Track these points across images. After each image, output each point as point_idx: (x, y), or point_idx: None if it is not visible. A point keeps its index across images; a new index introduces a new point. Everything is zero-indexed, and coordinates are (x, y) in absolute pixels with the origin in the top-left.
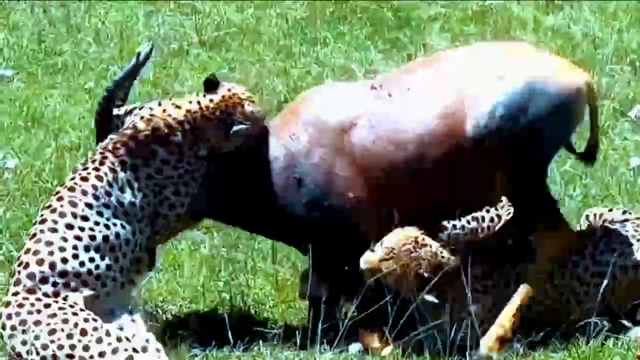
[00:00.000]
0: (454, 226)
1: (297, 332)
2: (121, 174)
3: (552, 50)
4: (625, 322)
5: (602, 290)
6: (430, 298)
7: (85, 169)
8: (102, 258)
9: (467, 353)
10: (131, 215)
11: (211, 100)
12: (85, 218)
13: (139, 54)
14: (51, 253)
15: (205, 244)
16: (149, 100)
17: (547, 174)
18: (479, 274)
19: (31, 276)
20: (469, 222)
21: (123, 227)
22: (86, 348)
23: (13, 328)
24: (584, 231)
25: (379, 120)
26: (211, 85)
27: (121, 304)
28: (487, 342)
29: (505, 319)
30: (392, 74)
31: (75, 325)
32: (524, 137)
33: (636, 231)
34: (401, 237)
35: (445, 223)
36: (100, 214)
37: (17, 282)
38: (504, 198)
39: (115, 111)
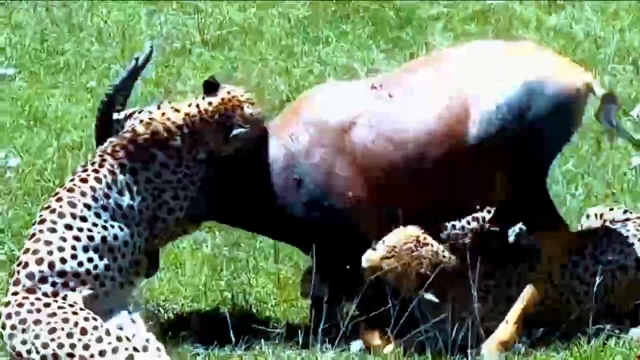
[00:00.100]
0: (454, 226)
1: (299, 331)
2: (120, 177)
3: (554, 50)
4: (626, 322)
5: (600, 289)
6: (429, 296)
7: (85, 170)
8: (101, 258)
9: (468, 352)
10: (129, 218)
11: (210, 104)
12: (83, 219)
13: (137, 58)
14: (50, 253)
15: (207, 243)
16: (151, 100)
17: (548, 175)
18: (480, 273)
19: (30, 276)
20: (469, 223)
21: (121, 229)
22: (86, 347)
23: (13, 327)
24: (585, 231)
25: (379, 119)
26: (211, 87)
27: (120, 304)
28: (491, 345)
29: (509, 323)
30: (393, 73)
31: (76, 324)
32: (524, 138)
33: (637, 230)
34: (403, 235)
35: (445, 223)
36: (98, 215)
37: (17, 282)
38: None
39: (115, 116)
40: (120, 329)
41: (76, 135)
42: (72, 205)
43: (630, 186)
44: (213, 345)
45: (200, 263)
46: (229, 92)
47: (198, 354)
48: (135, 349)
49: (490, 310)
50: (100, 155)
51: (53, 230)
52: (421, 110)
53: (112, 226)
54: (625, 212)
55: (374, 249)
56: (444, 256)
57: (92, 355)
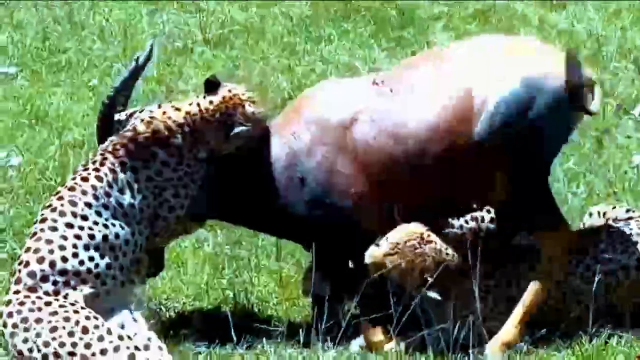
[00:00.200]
0: (452, 225)
1: (300, 329)
2: (121, 175)
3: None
4: (627, 321)
5: (602, 288)
6: (432, 294)
7: (86, 169)
8: (102, 257)
9: (469, 352)
10: (130, 217)
11: (211, 102)
12: (84, 217)
13: (137, 58)
14: (51, 251)
15: (209, 241)
16: (153, 98)
17: (550, 173)
18: (481, 273)
19: (32, 274)
20: (467, 222)
21: (122, 227)
22: (88, 346)
23: (14, 326)
24: (587, 230)
25: (381, 116)
26: (212, 86)
27: (122, 303)
28: (494, 346)
29: (512, 324)
30: (394, 70)
31: (77, 323)
32: (525, 134)
33: None
34: (406, 232)
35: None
36: (99, 213)
37: (18, 281)
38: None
39: (117, 116)
40: (122, 327)
41: (78, 133)
42: (73, 203)
43: (631, 185)
44: (215, 343)
45: (202, 262)
46: (230, 91)
47: (200, 353)
48: (136, 348)
49: (490, 310)
50: (101, 154)
51: (54, 229)
52: (423, 106)
53: (113, 224)
54: (628, 210)
55: (377, 246)
56: (447, 254)
57: (93, 354)
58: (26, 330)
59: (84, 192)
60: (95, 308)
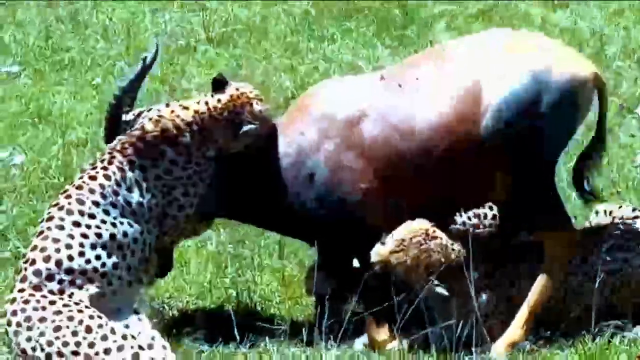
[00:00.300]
0: (455, 221)
1: (303, 328)
2: (129, 174)
3: None
4: (630, 320)
5: (606, 288)
6: (440, 290)
7: (94, 168)
8: (109, 256)
9: (473, 350)
10: (139, 215)
11: (219, 101)
12: (92, 216)
13: (145, 58)
14: (58, 250)
15: (212, 240)
16: (157, 97)
17: (555, 173)
18: (481, 272)
19: (37, 273)
20: (470, 219)
21: (131, 225)
22: (91, 345)
23: (18, 324)
24: (592, 228)
25: (388, 111)
26: (219, 84)
27: (128, 303)
28: (500, 347)
29: (518, 325)
30: (398, 67)
31: (80, 322)
32: (532, 131)
33: None
34: (412, 229)
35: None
36: (107, 212)
37: (23, 279)
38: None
39: (124, 117)
40: (126, 327)
41: (81, 132)
42: (81, 202)
43: (635, 184)
44: (218, 342)
45: (205, 261)
46: (237, 89)
47: (203, 352)
48: (140, 347)
49: (492, 310)
50: (109, 153)
51: (61, 228)
52: (430, 103)
53: (122, 223)
54: (634, 209)
55: (383, 243)
56: (453, 249)
57: (97, 353)
58: (30, 329)
59: (92, 191)
60: (102, 308)
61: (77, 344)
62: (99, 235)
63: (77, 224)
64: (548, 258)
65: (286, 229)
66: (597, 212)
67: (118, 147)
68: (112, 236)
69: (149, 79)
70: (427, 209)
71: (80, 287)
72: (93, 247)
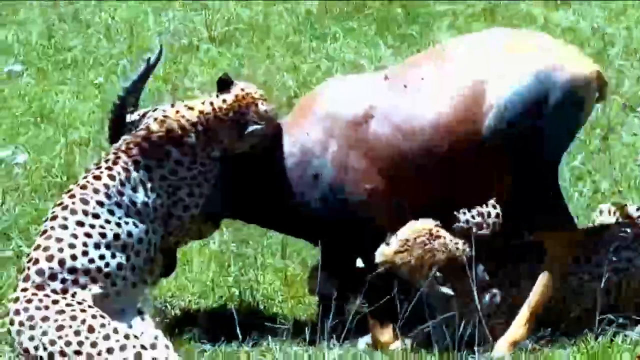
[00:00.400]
0: (458, 220)
1: (306, 327)
2: (134, 174)
3: None
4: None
5: (611, 288)
6: (444, 290)
7: (99, 168)
8: (113, 256)
9: (475, 349)
10: (144, 215)
11: (224, 101)
12: (96, 216)
13: (149, 59)
14: (61, 250)
15: (215, 239)
16: (159, 96)
17: (558, 172)
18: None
19: (40, 272)
20: (473, 217)
21: (135, 225)
22: (94, 344)
23: (21, 324)
24: (596, 228)
25: (393, 111)
26: (224, 84)
27: (132, 304)
28: (502, 346)
29: (519, 324)
30: (405, 64)
31: (83, 321)
32: (533, 133)
33: None
34: (415, 229)
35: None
36: (111, 212)
37: (26, 278)
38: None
39: (129, 117)
40: (130, 326)
41: (84, 131)
42: (85, 202)
43: (637, 183)
44: (220, 341)
45: (208, 259)
46: (242, 89)
47: (205, 351)
48: (143, 347)
49: (495, 310)
50: (114, 153)
51: (64, 227)
52: (435, 102)
53: (126, 223)
54: (638, 209)
55: (388, 244)
56: (457, 248)
57: (99, 353)
58: (32, 328)
59: (96, 191)
60: (105, 308)
61: (80, 343)
62: (102, 235)
63: (80, 224)
64: (549, 258)
65: (290, 228)
66: (601, 212)
67: (123, 147)
68: (116, 236)
69: (151, 78)
70: (429, 209)
71: (83, 287)
72: (97, 246)
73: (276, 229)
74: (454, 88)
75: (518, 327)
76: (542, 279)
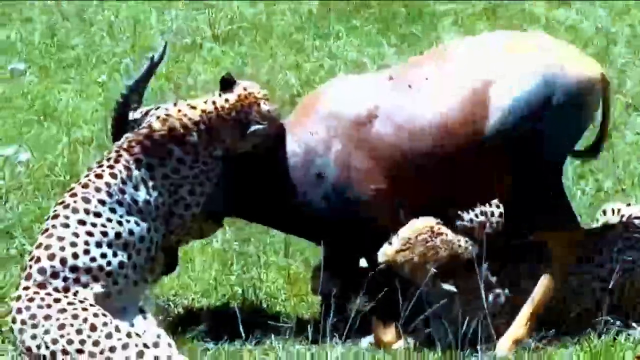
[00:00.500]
0: (462, 219)
1: (309, 326)
2: (136, 172)
3: None
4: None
5: (615, 287)
6: (447, 287)
7: (100, 166)
8: (115, 254)
9: (478, 348)
10: (145, 213)
11: (227, 100)
12: (97, 214)
13: (152, 57)
14: (62, 248)
15: (217, 237)
16: (162, 95)
17: (562, 172)
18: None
19: (42, 271)
20: (477, 216)
21: (137, 224)
22: (96, 343)
23: (23, 322)
24: (599, 228)
25: (397, 112)
26: (227, 84)
27: (133, 302)
28: (504, 344)
29: (521, 322)
30: (408, 65)
31: (85, 320)
32: (538, 135)
33: None
34: (417, 227)
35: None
36: (113, 210)
37: (28, 277)
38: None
39: (131, 115)
40: (132, 325)
41: (87, 130)
42: (86, 200)
43: None
44: (223, 340)
45: (211, 258)
46: (245, 89)
47: (208, 349)
48: (145, 345)
49: (500, 308)
50: (116, 151)
51: (66, 226)
52: (437, 102)
53: (128, 221)
54: None
55: (390, 244)
56: (459, 245)
57: (101, 352)
58: (34, 326)
59: (98, 189)
60: (107, 307)
61: (82, 342)
62: (104, 234)
63: (82, 222)
64: (551, 258)
65: (293, 228)
66: (604, 211)
67: (125, 146)
68: (118, 235)
69: (154, 77)
70: (430, 209)
71: (85, 285)
72: (98, 245)
73: (279, 228)
74: (458, 89)
75: (519, 326)
76: (544, 278)
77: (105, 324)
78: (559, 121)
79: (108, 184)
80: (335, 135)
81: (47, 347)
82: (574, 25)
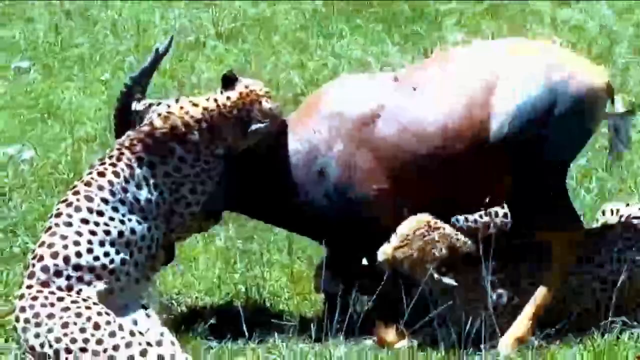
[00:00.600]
0: (466, 219)
1: (312, 324)
2: (138, 171)
3: (568, 45)
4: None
5: (619, 286)
6: (447, 280)
7: (103, 164)
8: (117, 253)
9: (482, 347)
10: (147, 212)
11: (228, 98)
12: (100, 213)
13: (157, 49)
14: (65, 247)
15: (221, 236)
16: (165, 92)
17: (566, 175)
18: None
19: (45, 269)
20: (481, 217)
21: (139, 223)
22: (99, 342)
23: (26, 321)
24: (599, 228)
25: (401, 113)
26: (229, 81)
27: (135, 299)
28: (506, 343)
29: (524, 320)
30: (414, 67)
31: (89, 318)
32: (543, 141)
33: None
34: (414, 223)
35: (457, 216)
36: (115, 209)
37: (31, 275)
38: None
39: (134, 106)
40: (135, 323)
41: (90, 127)
42: (89, 199)
43: None
44: (226, 338)
45: (214, 256)
46: (247, 87)
47: (211, 347)
48: (149, 344)
49: (503, 309)
50: (118, 149)
51: (69, 224)
52: (442, 105)
53: (130, 220)
54: None
55: (389, 242)
56: (457, 239)
57: (105, 350)
58: (38, 325)
59: (101, 188)
60: (109, 304)
61: (85, 340)
62: (107, 233)
63: (85, 221)
64: (553, 258)
65: (295, 226)
66: (603, 212)
67: (127, 144)
68: (120, 233)
69: (158, 75)
70: (431, 209)
71: (88, 284)
72: (101, 244)
73: (281, 225)
74: (463, 92)
75: (522, 323)
76: (547, 278)
77: (108, 323)
78: (563, 127)
79: (111, 183)
80: (337, 134)
81: (50, 346)
82: (578, 24)
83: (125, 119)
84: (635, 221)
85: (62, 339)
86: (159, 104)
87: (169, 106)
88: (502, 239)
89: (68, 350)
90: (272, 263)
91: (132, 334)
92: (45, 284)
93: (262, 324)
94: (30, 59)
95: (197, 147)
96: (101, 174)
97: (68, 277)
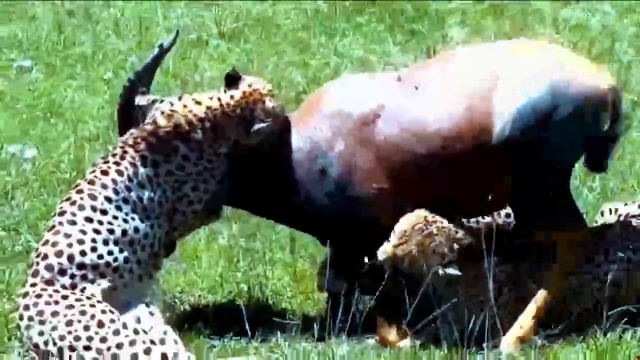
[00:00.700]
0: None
1: (315, 323)
2: (141, 169)
3: (569, 44)
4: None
5: (613, 287)
6: (451, 271)
7: (106, 162)
8: (121, 251)
9: (484, 345)
10: (150, 211)
11: (232, 97)
12: (104, 211)
13: (161, 45)
14: (70, 245)
15: (223, 234)
16: (167, 90)
17: (570, 176)
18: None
19: (49, 268)
20: (483, 217)
21: (142, 221)
22: (103, 340)
23: (30, 319)
24: (599, 228)
25: (403, 112)
26: (232, 80)
27: (138, 297)
28: (508, 342)
29: (526, 320)
30: (416, 68)
31: (93, 316)
32: (546, 143)
33: None
34: (411, 219)
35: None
36: (119, 208)
37: (35, 274)
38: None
39: (137, 100)
40: (138, 321)
41: (93, 126)
42: (93, 197)
43: None
44: (229, 337)
45: (217, 255)
46: (250, 86)
47: (214, 346)
48: (152, 342)
49: (505, 308)
50: (121, 147)
51: (73, 223)
52: (444, 106)
53: (133, 219)
54: None
55: (388, 241)
56: (456, 232)
57: (109, 348)
58: (42, 323)
59: (104, 186)
60: (113, 302)
61: (89, 338)
62: (110, 231)
63: (89, 220)
64: (556, 257)
65: (297, 223)
66: (602, 212)
67: (130, 142)
68: (124, 232)
69: (161, 73)
70: (431, 210)
71: (92, 282)
72: (105, 242)
73: (283, 222)
74: (464, 92)
75: (524, 322)
76: (550, 277)
77: (112, 321)
78: (565, 131)
79: (114, 181)
80: (338, 133)
81: (54, 344)
82: (580, 23)
83: (128, 113)
84: (634, 220)
85: (66, 336)
86: (162, 100)
87: (172, 104)
88: (505, 239)
89: (72, 348)
90: (274, 261)
91: (135, 332)
92: (49, 282)
93: (264, 322)
94: (32, 57)
95: (200, 146)
96: (105, 173)
97: (72, 276)
